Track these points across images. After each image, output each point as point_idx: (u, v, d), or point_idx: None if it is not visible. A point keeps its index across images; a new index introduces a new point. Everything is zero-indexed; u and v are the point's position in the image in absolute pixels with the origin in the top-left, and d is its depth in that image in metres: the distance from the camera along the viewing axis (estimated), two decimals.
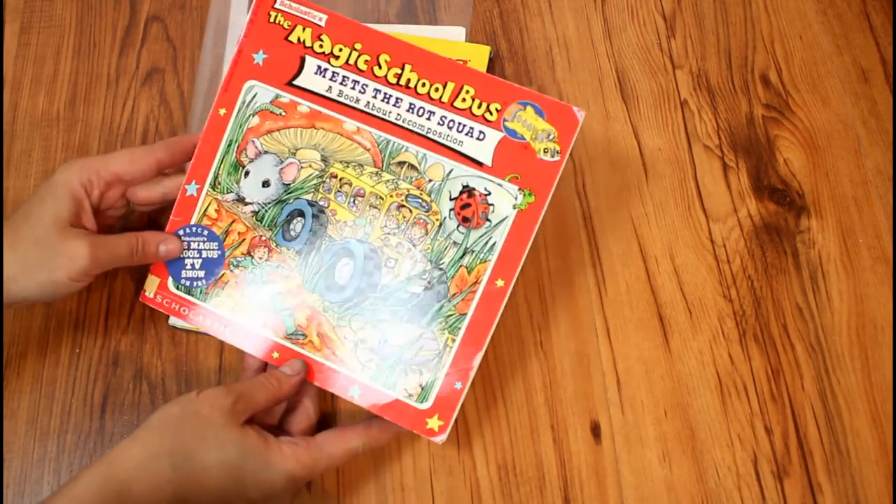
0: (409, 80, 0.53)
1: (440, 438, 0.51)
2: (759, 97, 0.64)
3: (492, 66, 0.64)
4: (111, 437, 0.54)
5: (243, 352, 0.53)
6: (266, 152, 0.54)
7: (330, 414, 0.55)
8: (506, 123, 0.53)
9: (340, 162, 0.54)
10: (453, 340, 0.52)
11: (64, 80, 0.64)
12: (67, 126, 0.62)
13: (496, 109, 0.53)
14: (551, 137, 0.52)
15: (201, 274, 0.54)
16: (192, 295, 0.54)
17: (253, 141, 0.54)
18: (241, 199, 0.54)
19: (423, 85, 0.53)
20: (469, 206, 0.53)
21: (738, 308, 0.58)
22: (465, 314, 0.52)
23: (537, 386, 0.56)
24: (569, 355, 0.57)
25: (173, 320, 0.57)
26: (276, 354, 0.52)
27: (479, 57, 0.63)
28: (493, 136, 0.53)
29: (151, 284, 0.55)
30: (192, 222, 0.54)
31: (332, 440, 0.49)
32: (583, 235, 0.60)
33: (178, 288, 0.54)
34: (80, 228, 0.50)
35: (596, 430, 0.55)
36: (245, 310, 0.53)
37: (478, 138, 0.53)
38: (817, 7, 0.67)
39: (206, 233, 0.54)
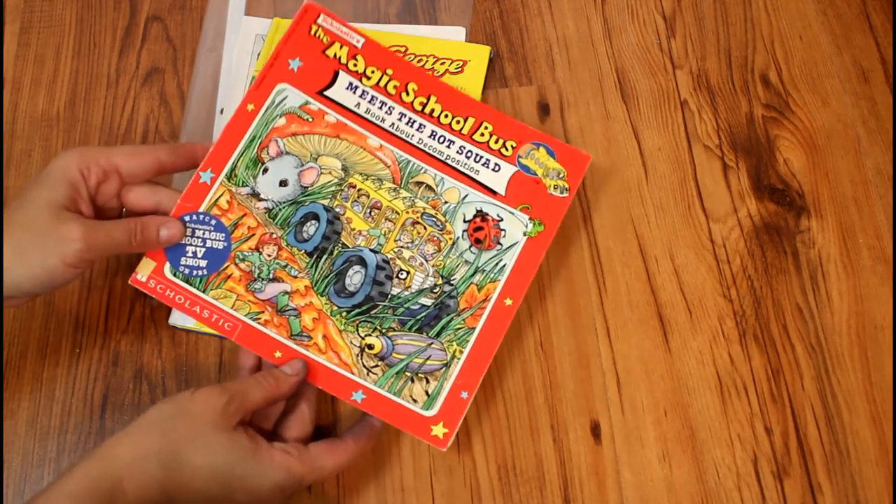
0: (433, 110, 0.57)
1: (444, 446, 0.51)
2: (759, 97, 0.64)
3: (492, 66, 0.64)
4: (111, 436, 0.54)
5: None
6: (288, 153, 0.56)
7: (330, 425, 0.55)
8: (520, 160, 0.57)
9: (360, 174, 0.56)
10: (461, 352, 0.53)
11: (64, 80, 0.64)
12: (67, 126, 0.62)
13: (511, 146, 0.57)
14: (561, 176, 0.57)
15: (203, 263, 0.53)
16: (191, 284, 0.53)
17: (276, 140, 0.56)
18: (255, 195, 0.55)
19: (446, 116, 0.57)
20: (482, 230, 0.55)
21: (738, 308, 0.58)
22: (473, 328, 0.54)
23: (537, 386, 0.56)
24: (569, 355, 0.57)
25: (173, 319, 0.56)
26: (278, 354, 0.52)
27: (479, 57, 0.63)
28: (508, 169, 0.57)
29: (145, 268, 0.52)
30: (201, 210, 0.54)
31: (324, 455, 0.48)
32: (583, 235, 0.60)
33: (175, 275, 0.53)
34: (75, 213, 0.48)
35: (596, 430, 0.55)
36: (248, 306, 0.53)
37: (493, 169, 0.57)
38: (817, 7, 0.67)
39: (213, 222, 0.54)
